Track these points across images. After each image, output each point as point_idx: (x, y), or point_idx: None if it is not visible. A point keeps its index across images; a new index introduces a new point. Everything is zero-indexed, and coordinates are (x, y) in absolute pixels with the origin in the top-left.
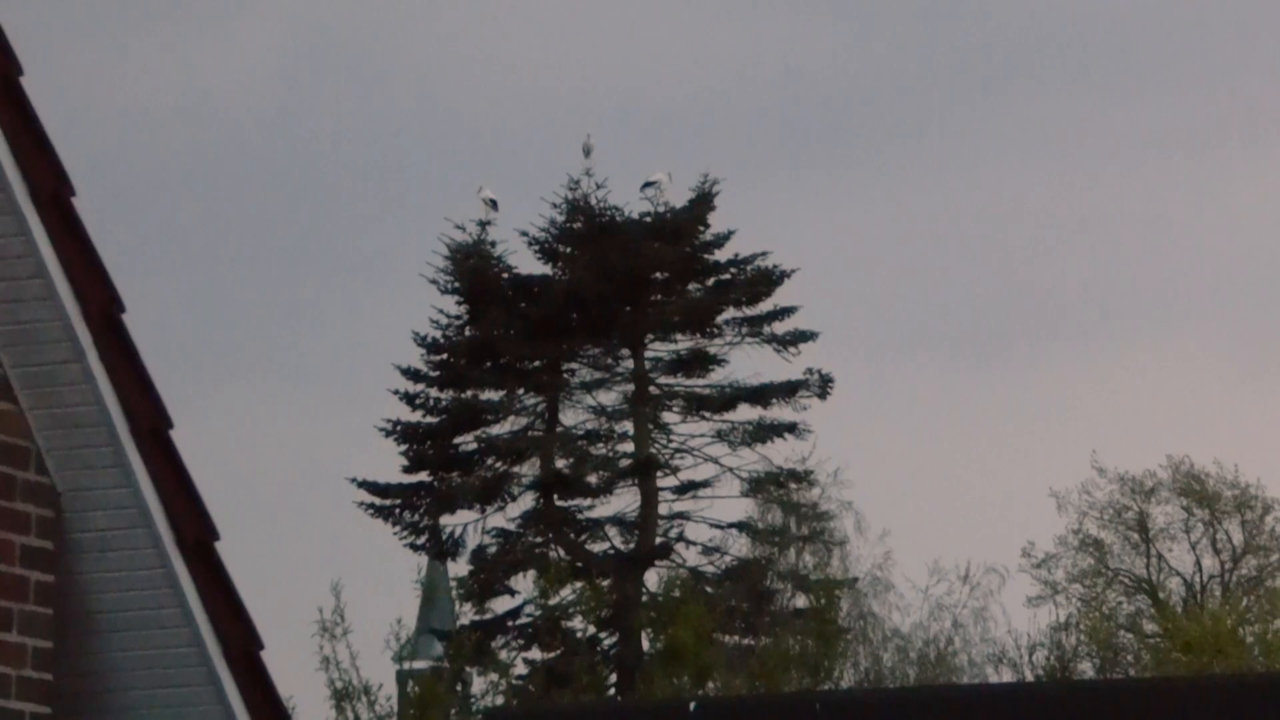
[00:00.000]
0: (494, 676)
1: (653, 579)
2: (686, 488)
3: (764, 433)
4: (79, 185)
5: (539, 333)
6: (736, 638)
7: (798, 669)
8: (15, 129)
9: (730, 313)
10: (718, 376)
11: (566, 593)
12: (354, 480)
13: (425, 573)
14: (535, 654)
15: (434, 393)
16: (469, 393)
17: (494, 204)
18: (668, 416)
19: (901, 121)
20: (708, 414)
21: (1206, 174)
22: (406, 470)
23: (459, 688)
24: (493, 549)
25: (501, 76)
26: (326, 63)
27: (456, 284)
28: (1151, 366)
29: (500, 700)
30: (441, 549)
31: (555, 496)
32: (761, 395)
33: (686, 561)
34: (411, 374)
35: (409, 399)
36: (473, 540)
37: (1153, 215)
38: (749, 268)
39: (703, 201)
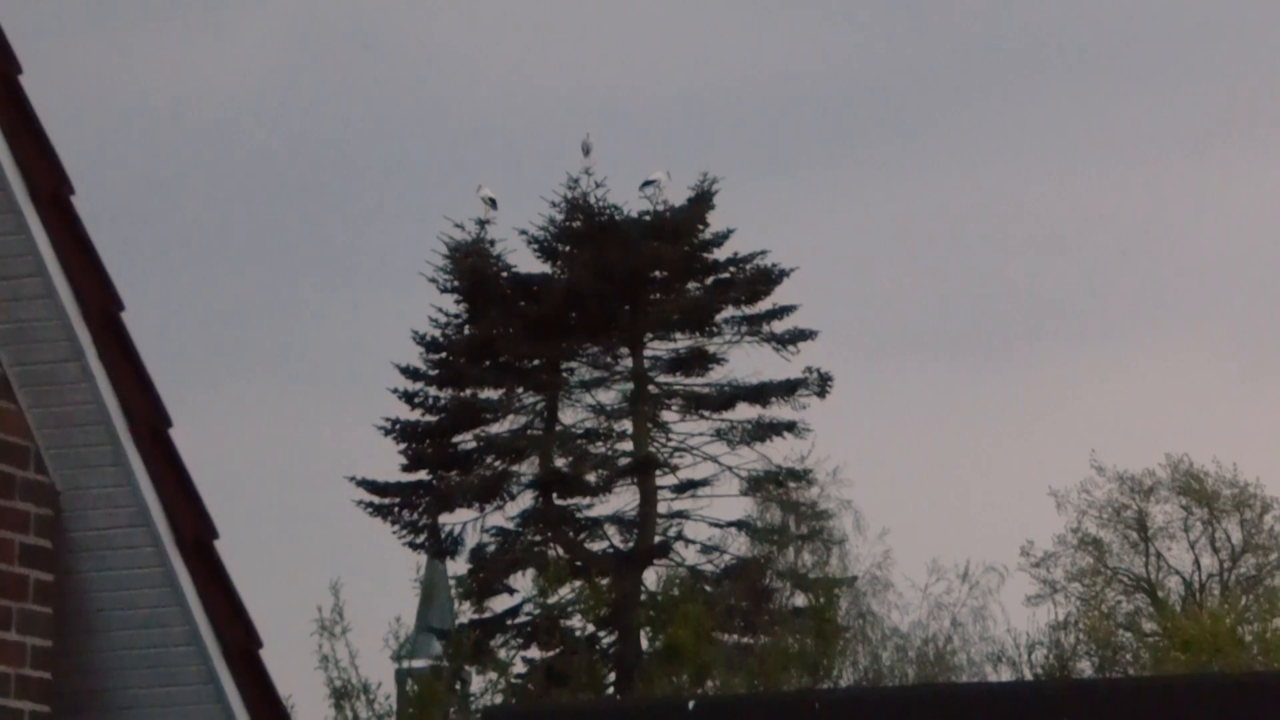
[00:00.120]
0: (493, 675)
1: (652, 578)
2: (685, 486)
3: (763, 431)
4: (78, 184)
5: (538, 331)
6: (735, 636)
7: (797, 668)
8: (14, 128)
9: (729, 311)
10: (717, 375)
11: (565, 591)
12: (353, 479)
13: (424, 571)
14: (534, 653)
15: (433, 391)
16: (468, 391)
17: (493, 203)
18: (667, 415)
19: (901, 121)
20: (707, 413)
21: (1206, 174)
22: (405, 469)
23: (458, 686)
24: (492, 548)
25: (501, 76)
26: (326, 62)
27: (456, 283)
28: (1150, 365)
29: (499, 699)
30: (440, 548)
31: (554, 495)
32: (760, 394)
33: (685, 560)
34: (411, 373)
35: (408, 398)
36: (472, 539)
37: (1153, 215)
38: (748, 266)
39: (702, 200)
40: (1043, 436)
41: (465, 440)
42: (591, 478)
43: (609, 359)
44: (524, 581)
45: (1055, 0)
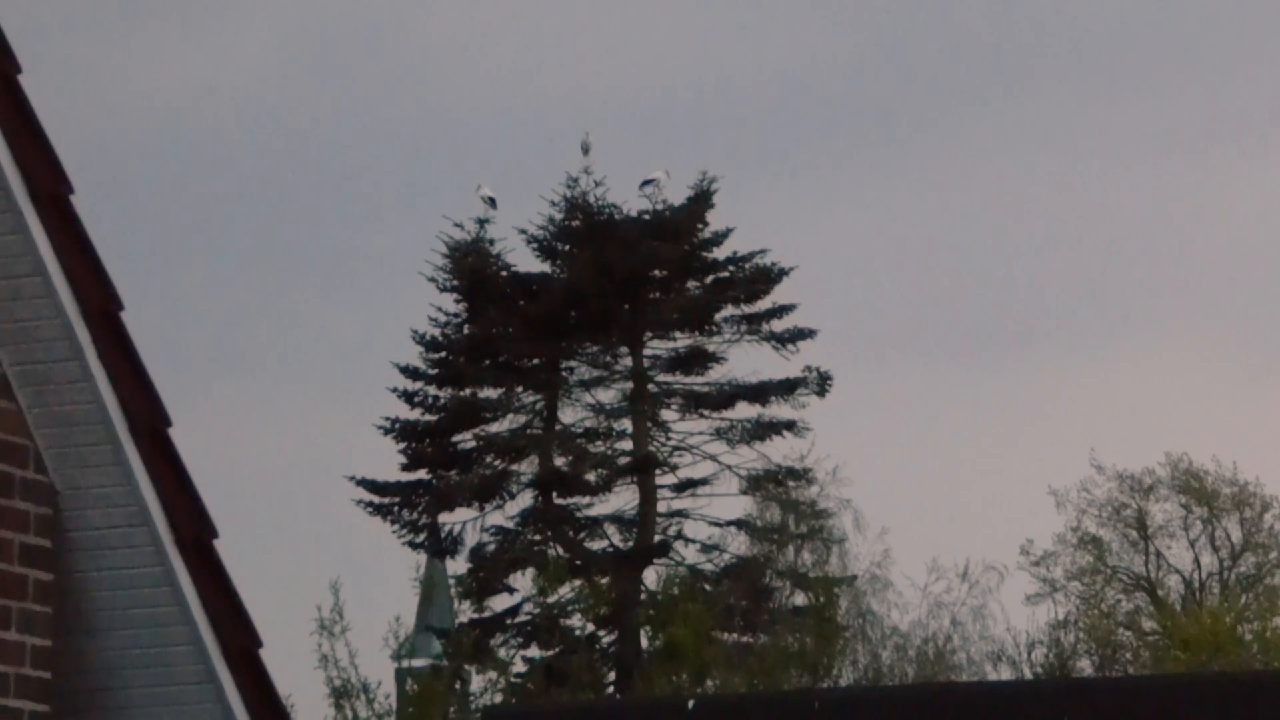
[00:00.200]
0: (493, 674)
1: (651, 577)
2: (685, 485)
3: (763, 430)
4: (77, 183)
5: (538, 331)
6: (735, 635)
7: (796, 667)
8: (14, 127)
9: (729, 310)
10: (716, 374)
11: (565, 590)
12: (353, 478)
13: (424, 571)
14: (534, 652)
15: (433, 391)
16: (468, 391)
17: (493, 202)
18: (666, 414)
19: (900, 120)
20: (706, 412)
21: (1206, 174)
22: (405, 468)
23: (458, 686)
24: (491, 547)
25: (501, 75)
26: (326, 62)
27: (455, 282)
28: (1150, 364)
29: (499, 698)
30: (440, 547)
31: (554, 494)
32: (760, 393)
33: (685, 559)
34: (410, 372)
35: (408, 397)
36: (471, 538)
37: (1152, 215)
38: (747, 265)
39: (701, 199)
40: (1042, 435)
41: (465, 439)
42: (591, 477)
43: (608, 358)
44: (524, 581)
45: (1055, 0)
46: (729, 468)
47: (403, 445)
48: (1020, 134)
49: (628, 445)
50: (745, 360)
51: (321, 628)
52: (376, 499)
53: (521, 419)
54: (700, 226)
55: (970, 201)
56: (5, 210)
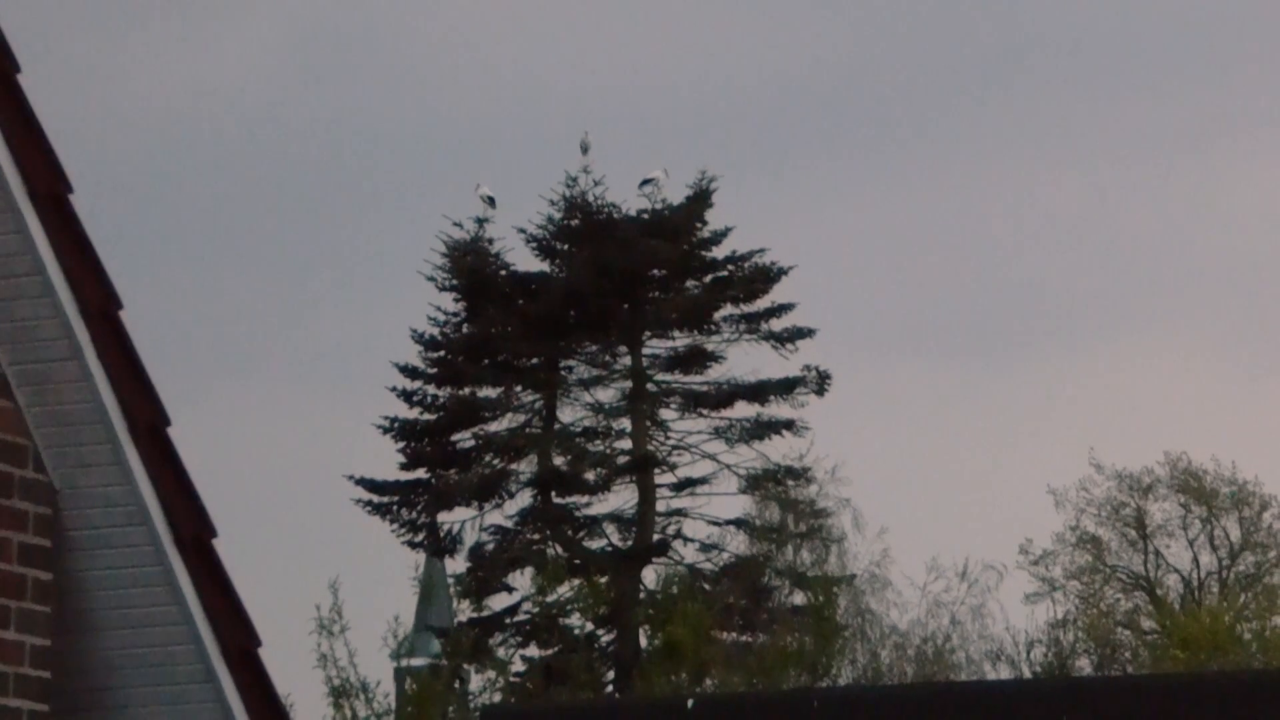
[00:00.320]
0: (492, 674)
1: (650, 576)
2: (684, 485)
3: (762, 429)
4: (77, 183)
5: (537, 330)
6: (734, 635)
7: (795, 666)
8: (13, 126)
9: (728, 309)
10: (715, 373)
11: (564, 590)
12: (352, 477)
13: (423, 570)
14: (533, 651)
15: (432, 390)
16: (467, 390)
17: (492, 201)
18: (665, 413)
19: (899, 119)
20: (705, 411)
21: (1206, 174)
22: (404, 467)
23: (457, 685)
24: (490, 546)
25: (500, 75)
26: (325, 61)
27: (454, 281)
28: (1149, 363)
29: (498, 697)
30: (439, 546)
31: (553, 493)
32: (759, 392)
33: (684, 558)
34: (409, 371)
35: (407, 396)
36: (470, 537)
37: (1152, 215)
38: (746, 265)
39: (700, 198)
40: (1042, 435)
41: (464, 439)
42: (590, 476)
43: (607, 357)
44: (523, 580)
45: (1054, 0)
46: (728, 467)
47: (402, 444)
48: (1020, 134)
49: (627, 444)
50: (744, 359)
51: (320, 627)
52: (375, 498)
53: (520, 418)
54: (699, 226)
55: (970, 201)
56: (4, 210)
